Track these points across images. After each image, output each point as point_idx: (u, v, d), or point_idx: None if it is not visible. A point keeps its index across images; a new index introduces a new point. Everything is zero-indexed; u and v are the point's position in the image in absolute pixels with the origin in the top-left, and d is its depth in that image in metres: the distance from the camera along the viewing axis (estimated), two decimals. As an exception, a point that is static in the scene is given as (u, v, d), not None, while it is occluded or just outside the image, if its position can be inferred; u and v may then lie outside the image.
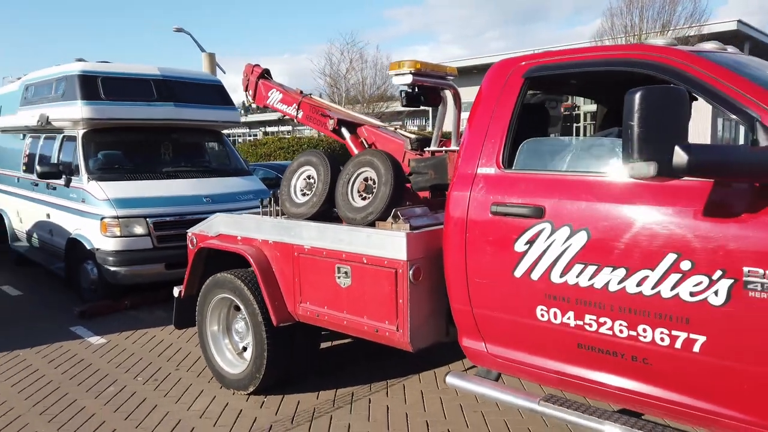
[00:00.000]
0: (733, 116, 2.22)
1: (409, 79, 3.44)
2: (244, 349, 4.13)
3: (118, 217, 5.91)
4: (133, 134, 6.93)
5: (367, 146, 4.50)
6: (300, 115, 5.01)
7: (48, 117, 6.97)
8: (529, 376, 2.86)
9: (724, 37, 21.89)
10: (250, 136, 41.79)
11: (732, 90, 2.24)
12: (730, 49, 2.88)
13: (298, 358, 4.03)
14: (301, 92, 5.18)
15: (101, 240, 5.95)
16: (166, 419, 3.70)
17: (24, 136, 8.04)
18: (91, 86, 6.56)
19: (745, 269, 2.07)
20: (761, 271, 2.04)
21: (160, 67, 7.21)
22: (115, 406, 3.90)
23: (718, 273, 2.13)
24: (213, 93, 7.52)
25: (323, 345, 4.89)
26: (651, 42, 2.63)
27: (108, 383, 4.29)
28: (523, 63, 2.90)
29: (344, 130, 4.62)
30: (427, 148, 3.96)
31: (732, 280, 2.11)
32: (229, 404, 3.88)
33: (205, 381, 4.27)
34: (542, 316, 2.64)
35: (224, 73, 25.29)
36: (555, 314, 2.60)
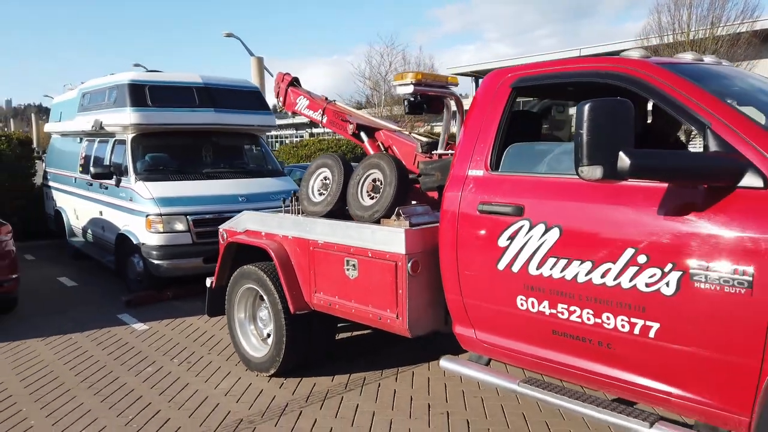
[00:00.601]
0: (689, 123, 2.43)
1: (411, 89, 3.74)
2: (268, 335, 4.50)
3: (161, 215, 6.43)
4: (177, 138, 7.47)
5: (383, 149, 4.81)
6: (324, 120, 5.35)
7: (101, 122, 7.59)
8: (512, 360, 3.12)
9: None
10: (297, 137, 42.78)
11: (688, 99, 2.45)
12: (708, 59, 3.06)
13: (316, 344, 4.38)
14: (326, 99, 5.53)
15: (146, 235, 6.48)
16: (195, 396, 4.11)
17: (81, 139, 8.74)
18: (139, 94, 7.13)
19: (691, 262, 2.29)
20: (704, 263, 2.25)
21: (202, 75, 7.74)
22: (152, 384, 4.34)
23: (669, 266, 2.35)
24: (251, 99, 8.00)
25: (343, 335, 5.26)
26: (626, 55, 2.85)
27: (147, 364, 4.75)
28: (510, 75, 3.16)
29: (363, 134, 4.94)
30: (434, 151, 4.24)
31: (681, 272, 2.32)
32: (252, 384, 4.27)
33: (233, 364, 4.67)
34: (522, 305, 2.90)
35: (272, 76, 25.90)
36: (533, 303, 2.85)
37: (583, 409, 2.69)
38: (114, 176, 7.14)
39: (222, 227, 4.80)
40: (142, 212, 6.55)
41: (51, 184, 9.89)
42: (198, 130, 7.47)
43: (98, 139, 8.06)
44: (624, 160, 2.14)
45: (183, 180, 6.93)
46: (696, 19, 21.14)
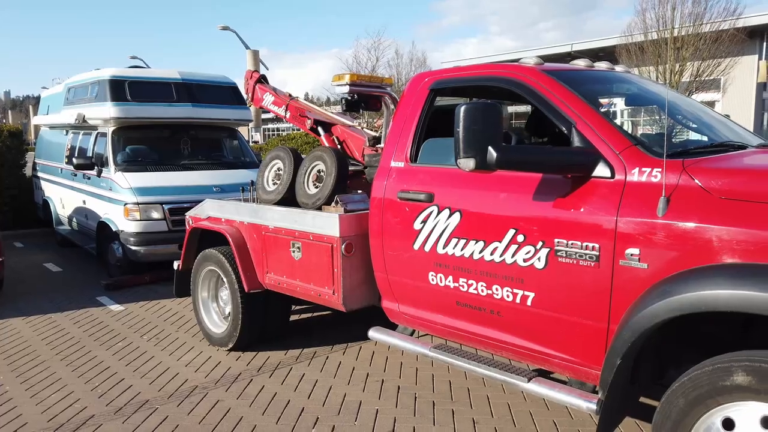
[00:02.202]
0: (559, 123, 2.83)
1: (346, 89, 4.13)
2: (229, 313, 4.91)
3: (138, 203, 6.82)
4: (156, 131, 7.86)
5: (338, 143, 5.20)
6: (288, 116, 5.74)
7: (84, 116, 7.97)
8: (428, 329, 3.53)
9: (759, 30, 21.52)
10: (294, 129, 43.11)
11: (560, 102, 2.85)
12: (601, 64, 3.46)
13: (270, 321, 4.79)
14: (290, 95, 5.91)
15: (124, 223, 6.87)
16: (158, 367, 4.52)
17: (67, 132, 9.11)
18: (119, 89, 7.51)
19: (555, 240, 2.70)
20: (565, 241, 2.66)
21: (181, 71, 8.11)
22: (121, 357, 4.75)
23: (540, 243, 2.76)
24: (227, 94, 8.37)
25: (305, 315, 5.68)
26: (522, 62, 3.23)
27: (119, 340, 5.16)
28: (427, 78, 3.56)
29: (320, 129, 5.32)
30: (378, 145, 4.63)
31: (548, 249, 2.73)
32: (212, 357, 4.69)
33: (197, 340, 5.09)
34: (432, 280, 3.31)
35: (267, 69, 26.36)
36: (441, 278, 3.26)
37: (477, 368, 3.11)
38: (95, 167, 7.51)
39: (188, 214, 5.20)
40: (120, 201, 6.94)
41: (40, 174, 10.26)
42: (176, 124, 7.85)
43: (82, 131, 8.44)
44: (492, 154, 2.54)
45: (160, 171, 7.31)
46: (680, 16, 21.48)
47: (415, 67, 28.33)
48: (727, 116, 3.84)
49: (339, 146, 5.01)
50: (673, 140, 3.09)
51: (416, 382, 4.14)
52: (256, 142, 26.62)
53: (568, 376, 2.92)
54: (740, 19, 20.75)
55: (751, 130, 3.41)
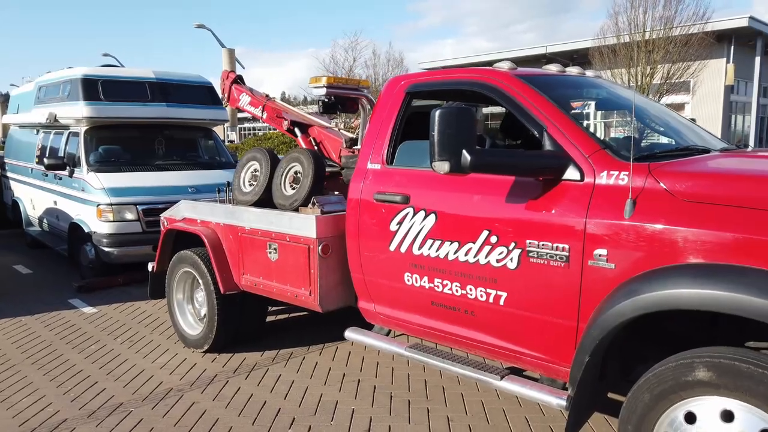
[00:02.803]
0: (531, 126, 2.89)
1: (323, 91, 4.15)
2: (205, 315, 4.89)
3: (111, 204, 6.74)
4: (130, 131, 7.77)
5: (315, 144, 5.22)
6: (264, 116, 5.73)
7: (56, 115, 7.84)
8: (404, 329, 3.58)
9: (727, 34, 22.08)
10: (271, 129, 42.91)
11: (532, 106, 2.92)
12: (573, 69, 3.55)
13: (246, 322, 4.79)
14: (267, 96, 5.90)
15: (97, 224, 6.78)
16: (132, 369, 4.49)
17: (37, 131, 8.95)
18: (92, 88, 7.40)
19: (527, 241, 2.76)
20: (536, 242, 2.73)
21: (155, 70, 8.03)
22: (94, 360, 4.70)
23: (513, 244, 2.82)
24: (202, 94, 8.31)
25: (281, 315, 5.68)
26: (496, 66, 3.30)
27: (92, 343, 5.10)
28: (403, 82, 3.61)
29: (297, 130, 5.34)
30: (355, 147, 4.67)
31: (520, 250, 2.79)
32: (187, 359, 4.66)
33: (172, 342, 5.05)
34: (408, 280, 3.35)
35: (243, 68, 26.16)
36: (416, 279, 3.31)
37: (452, 367, 3.16)
38: (67, 167, 7.39)
39: (163, 215, 5.17)
40: (93, 202, 6.85)
41: (9, 174, 10.05)
42: (150, 124, 7.77)
43: (53, 131, 8.30)
44: (466, 157, 2.59)
45: (134, 171, 7.23)
46: (651, 20, 21.91)
47: (393, 67, 28.47)
48: (693, 120, 3.96)
49: (316, 147, 5.03)
50: (641, 144, 3.19)
51: (392, 381, 4.19)
52: (232, 142, 26.45)
53: (539, 374, 2.99)
54: (709, 23, 21.28)
55: (719, 131, 3.55)
